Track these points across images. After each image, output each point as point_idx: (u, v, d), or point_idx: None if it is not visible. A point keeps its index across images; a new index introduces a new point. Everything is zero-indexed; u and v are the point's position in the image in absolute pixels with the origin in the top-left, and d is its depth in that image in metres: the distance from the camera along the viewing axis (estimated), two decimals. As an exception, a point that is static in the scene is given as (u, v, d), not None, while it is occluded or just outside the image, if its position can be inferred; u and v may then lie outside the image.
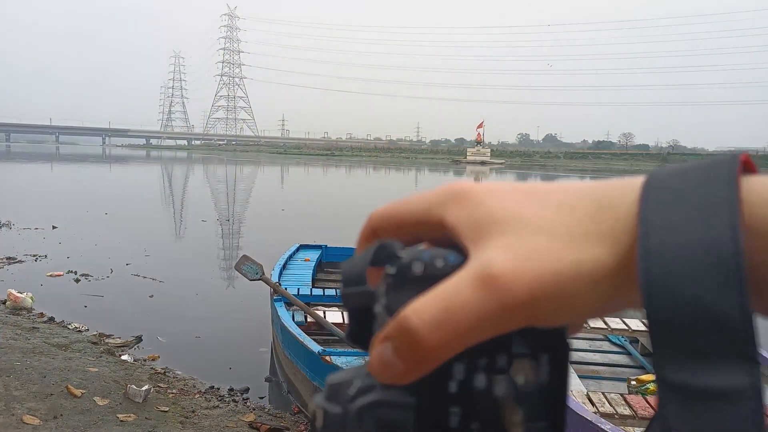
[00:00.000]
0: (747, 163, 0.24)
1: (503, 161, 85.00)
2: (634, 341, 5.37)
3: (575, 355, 5.05)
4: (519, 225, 0.24)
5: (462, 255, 0.25)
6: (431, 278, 0.24)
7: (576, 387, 3.71)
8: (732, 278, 0.20)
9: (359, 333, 0.27)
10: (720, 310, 0.20)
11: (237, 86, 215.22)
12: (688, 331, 0.20)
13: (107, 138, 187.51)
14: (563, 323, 0.24)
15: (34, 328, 5.52)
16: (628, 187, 0.24)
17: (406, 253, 0.26)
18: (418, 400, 0.24)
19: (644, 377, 4.17)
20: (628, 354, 5.26)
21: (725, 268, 0.20)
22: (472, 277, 0.23)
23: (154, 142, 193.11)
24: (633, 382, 3.92)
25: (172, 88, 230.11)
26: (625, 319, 4.96)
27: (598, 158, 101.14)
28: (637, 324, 4.82)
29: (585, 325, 0.26)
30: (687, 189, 0.22)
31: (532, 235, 0.24)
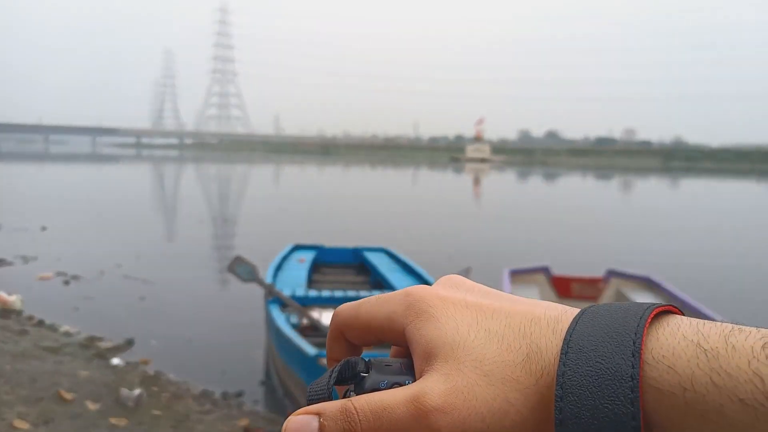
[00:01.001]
0: (666, 310, 0.27)
1: (503, 158, 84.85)
2: None
3: None
4: (462, 355, 0.27)
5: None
6: None
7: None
8: None
9: None
10: None
11: (230, 83, 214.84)
12: None
13: (97, 137, 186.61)
14: None
15: (23, 331, 5.46)
16: (558, 330, 0.27)
17: (369, 376, 0.29)
18: None
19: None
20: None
21: None
22: (408, 398, 0.27)
23: (145, 140, 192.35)
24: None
25: (164, 85, 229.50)
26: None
27: (601, 154, 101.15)
28: None
29: None
30: (598, 356, 0.25)
31: (471, 370, 0.27)
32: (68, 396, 4.00)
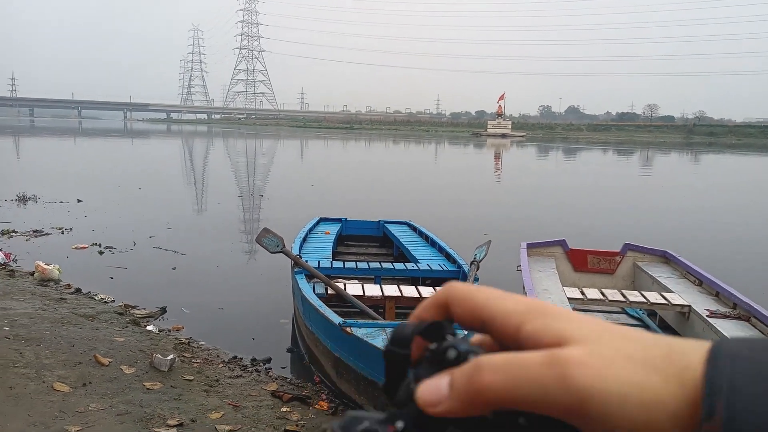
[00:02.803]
0: None
1: (524, 134, 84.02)
2: (652, 314, 5.33)
3: None
4: (597, 340, 0.26)
5: None
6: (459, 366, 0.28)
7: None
8: None
9: (390, 387, 0.31)
10: None
11: (256, 59, 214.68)
12: None
13: (129, 112, 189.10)
14: None
15: (61, 299, 5.66)
16: (698, 343, 0.26)
17: (451, 338, 0.30)
18: None
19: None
20: (646, 327, 5.22)
21: None
22: (544, 356, 0.26)
23: (174, 116, 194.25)
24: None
25: (192, 62, 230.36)
26: (643, 292, 4.92)
27: (622, 130, 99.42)
28: (655, 297, 4.78)
29: None
30: (754, 362, 0.24)
31: (610, 350, 0.26)
32: (105, 360, 4.14)
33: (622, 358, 0.25)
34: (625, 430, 0.24)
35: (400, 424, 0.27)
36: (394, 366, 0.31)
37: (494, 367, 0.26)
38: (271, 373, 4.39)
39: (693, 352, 0.25)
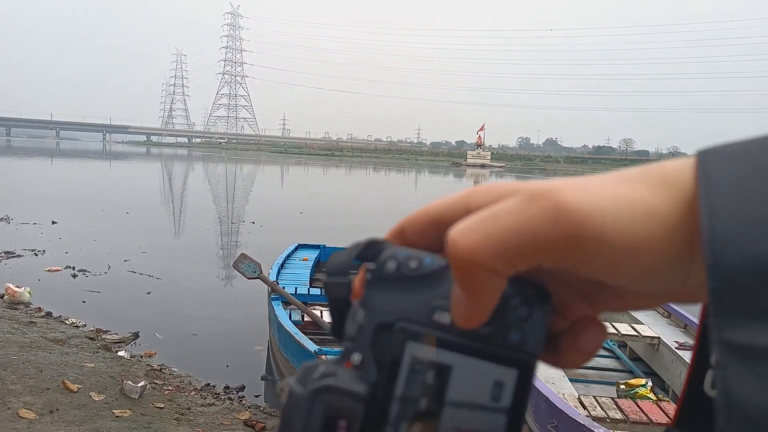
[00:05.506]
0: None
1: (503, 164, 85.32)
2: (623, 345, 5.39)
3: None
4: (563, 181, 0.23)
5: (440, 259, 0.25)
6: (403, 278, 0.25)
7: (568, 390, 3.74)
8: None
9: (338, 325, 0.27)
10: None
11: (239, 85, 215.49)
12: (754, 289, 0.19)
13: (108, 134, 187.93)
14: (617, 277, 0.22)
15: (31, 322, 5.55)
16: (679, 159, 0.23)
17: (388, 251, 0.26)
18: (369, 392, 0.24)
19: (633, 381, 4.19)
20: (617, 358, 5.29)
21: None
22: (519, 198, 0.22)
23: (154, 139, 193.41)
24: (622, 386, 3.96)
25: (174, 85, 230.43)
26: (614, 323, 4.99)
27: (598, 163, 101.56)
28: (626, 328, 4.86)
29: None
30: (747, 153, 0.21)
31: (581, 180, 0.23)
32: (73, 387, 4.07)
33: (599, 180, 0.22)
34: (625, 252, 0.21)
35: (356, 357, 0.25)
36: (338, 301, 0.28)
37: (467, 229, 0.22)
38: (244, 402, 4.35)
39: (673, 163, 0.23)
